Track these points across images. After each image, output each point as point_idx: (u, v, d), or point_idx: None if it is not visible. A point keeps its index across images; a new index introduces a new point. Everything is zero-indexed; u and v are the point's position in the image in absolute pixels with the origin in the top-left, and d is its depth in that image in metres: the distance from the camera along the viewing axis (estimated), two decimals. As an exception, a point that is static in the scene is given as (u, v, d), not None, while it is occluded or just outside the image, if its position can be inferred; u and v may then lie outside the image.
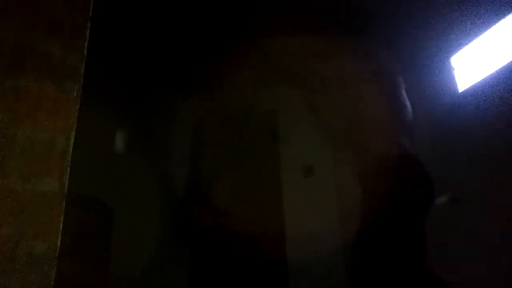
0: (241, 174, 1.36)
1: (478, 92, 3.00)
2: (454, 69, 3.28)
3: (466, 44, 3.19)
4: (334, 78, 1.30)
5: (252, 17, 1.45)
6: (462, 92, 3.20)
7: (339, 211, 1.23)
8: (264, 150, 1.34)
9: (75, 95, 1.12)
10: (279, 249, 1.34)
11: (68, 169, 1.05)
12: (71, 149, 1.07)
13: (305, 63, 1.32)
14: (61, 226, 1.00)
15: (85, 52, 1.16)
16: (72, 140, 1.08)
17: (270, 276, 1.36)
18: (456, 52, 3.24)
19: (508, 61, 2.79)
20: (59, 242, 0.99)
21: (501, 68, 2.83)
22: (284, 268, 1.37)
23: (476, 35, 3.09)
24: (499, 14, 2.76)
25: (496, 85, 2.84)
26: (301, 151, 1.31)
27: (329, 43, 1.33)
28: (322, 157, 1.29)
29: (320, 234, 1.25)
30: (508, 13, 2.76)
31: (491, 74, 2.96)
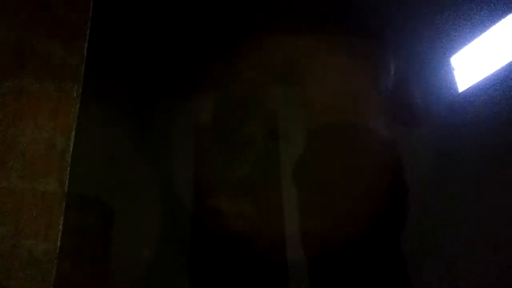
0: (242, 173, 1.36)
1: (478, 92, 3.00)
2: (454, 69, 3.28)
3: (466, 44, 3.19)
4: (333, 77, 1.30)
5: (252, 16, 1.45)
6: (462, 92, 3.20)
7: (338, 210, 1.23)
8: (264, 149, 1.34)
9: (75, 95, 1.12)
10: (278, 249, 1.34)
11: (68, 169, 1.05)
12: (71, 149, 1.07)
13: (306, 62, 1.32)
14: (61, 226, 1.00)
15: (85, 52, 1.16)
16: (72, 140, 1.08)
17: (270, 276, 1.36)
18: (456, 52, 3.24)
19: (508, 61, 2.79)
20: (59, 242, 0.99)
21: (501, 68, 2.82)
22: (283, 268, 1.38)
23: (476, 35, 3.09)
24: (499, 14, 2.76)
25: (496, 85, 2.84)
26: (301, 150, 1.31)
27: (329, 43, 1.33)
28: (322, 156, 1.29)
29: (319, 233, 1.26)
30: (508, 13, 2.75)
31: (491, 74, 2.96)
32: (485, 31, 2.98)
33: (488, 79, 2.92)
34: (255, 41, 1.39)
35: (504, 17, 2.79)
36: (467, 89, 3.14)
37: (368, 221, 1.20)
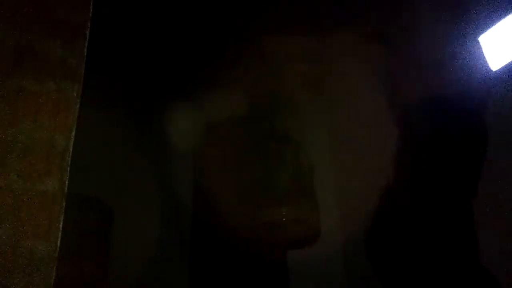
0: (242, 174, 1.36)
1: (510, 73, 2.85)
2: (483, 49, 3.12)
3: (494, 24, 3.03)
4: (337, 77, 1.30)
5: (252, 17, 1.45)
6: (495, 71, 3.01)
7: (342, 210, 1.24)
8: (265, 150, 1.34)
9: (75, 95, 1.12)
10: (279, 249, 1.34)
11: (68, 169, 1.05)
12: (71, 149, 1.07)
13: (306, 62, 1.32)
14: (61, 226, 1.00)
15: (85, 52, 1.16)
16: (72, 140, 1.08)
17: (270, 276, 1.36)
18: (484, 32, 3.08)
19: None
20: (59, 242, 0.99)
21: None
22: (284, 268, 1.38)
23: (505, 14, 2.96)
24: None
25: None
26: (302, 151, 1.31)
27: (336, 40, 1.33)
28: (324, 157, 1.29)
29: (323, 234, 1.26)
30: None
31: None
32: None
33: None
34: (255, 41, 1.39)
35: None
36: (500, 68, 2.97)
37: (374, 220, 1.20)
